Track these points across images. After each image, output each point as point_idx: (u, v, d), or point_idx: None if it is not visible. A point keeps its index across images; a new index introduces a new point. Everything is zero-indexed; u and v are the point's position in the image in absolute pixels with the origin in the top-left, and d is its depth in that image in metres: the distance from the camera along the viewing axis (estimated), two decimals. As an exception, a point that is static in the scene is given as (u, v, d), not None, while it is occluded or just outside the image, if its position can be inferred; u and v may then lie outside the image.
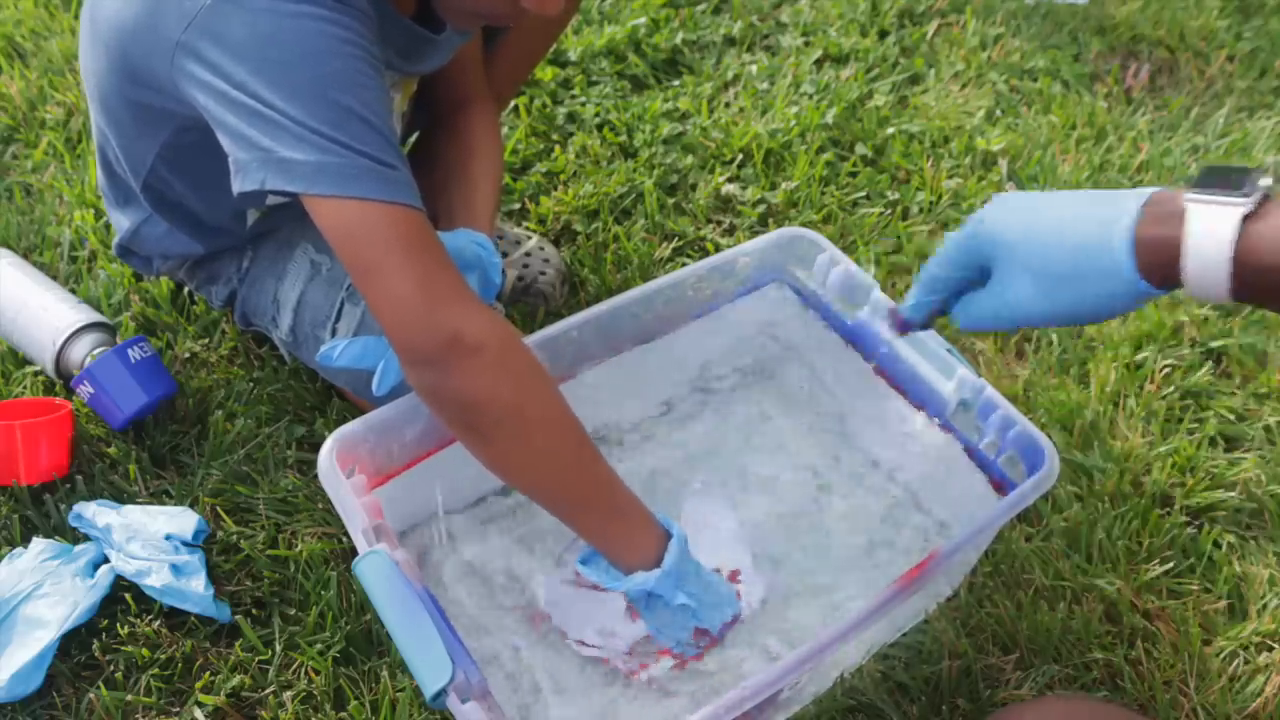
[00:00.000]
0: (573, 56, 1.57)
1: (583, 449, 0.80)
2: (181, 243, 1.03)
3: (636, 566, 0.81)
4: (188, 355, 1.14)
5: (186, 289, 1.17)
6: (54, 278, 1.19)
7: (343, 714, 0.88)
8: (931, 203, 1.38)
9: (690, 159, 1.42)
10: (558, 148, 1.42)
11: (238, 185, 0.75)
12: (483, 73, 1.09)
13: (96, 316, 1.12)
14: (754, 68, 1.58)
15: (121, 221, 1.04)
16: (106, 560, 0.95)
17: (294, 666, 0.91)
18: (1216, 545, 1.02)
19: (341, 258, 0.75)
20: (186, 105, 0.79)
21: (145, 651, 0.91)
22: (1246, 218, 0.53)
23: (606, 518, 0.81)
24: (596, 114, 1.48)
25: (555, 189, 1.37)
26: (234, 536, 0.98)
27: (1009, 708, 0.69)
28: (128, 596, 0.94)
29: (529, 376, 0.77)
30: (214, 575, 0.96)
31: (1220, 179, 0.54)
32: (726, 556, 0.93)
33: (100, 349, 1.07)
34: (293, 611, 0.94)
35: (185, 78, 0.76)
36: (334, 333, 0.99)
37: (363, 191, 0.73)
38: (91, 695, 0.88)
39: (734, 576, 0.92)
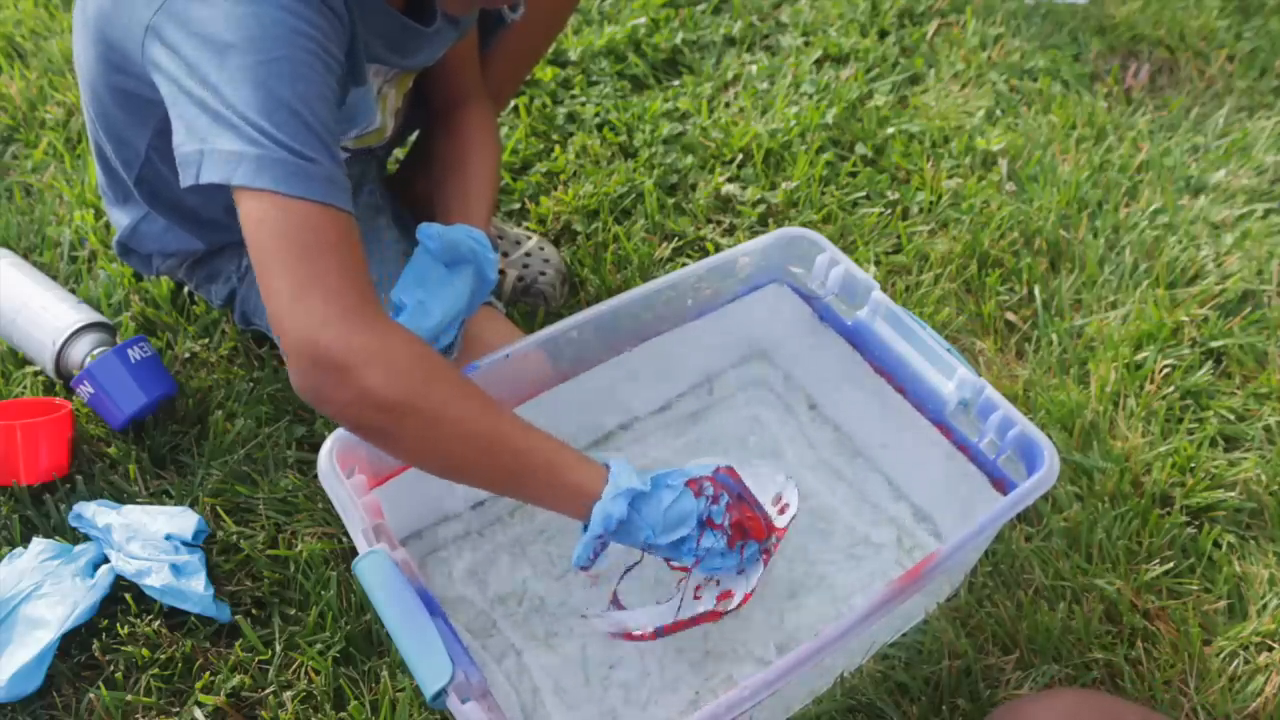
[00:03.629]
0: (573, 56, 1.57)
1: (498, 427, 0.75)
2: (179, 239, 1.03)
3: (592, 509, 0.78)
4: (188, 355, 1.14)
5: (186, 289, 1.17)
6: (54, 278, 1.19)
7: (343, 714, 0.88)
8: (931, 203, 1.38)
9: (690, 159, 1.42)
10: (558, 148, 1.42)
11: (183, 179, 0.73)
12: (479, 71, 1.09)
13: (96, 316, 1.12)
14: (754, 68, 1.58)
15: (121, 219, 1.04)
16: (106, 560, 0.95)
17: (294, 666, 0.91)
18: (1216, 545, 1.02)
19: (248, 250, 0.72)
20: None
21: (145, 651, 0.91)
22: None
23: (545, 481, 0.77)
24: (596, 114, 1.48)
25: (555, 189, 1.37)
26: (234, 536, 0.98)
27: (1015, 701, 0.69)
28: (128, 596, 0.94)
29: (413, 376, 0.71)
30: (214, 575, 0.96)
31: None
32: (767, 485, 0.89)
33: (100, 349, 1.07)
34: (293, 611, 0.94)
35: (151, 62, 0.76)
36: None
37: (272, 184, 0.70)
38: (91, 695, 0.88)
39: (780, 504, 0.88)
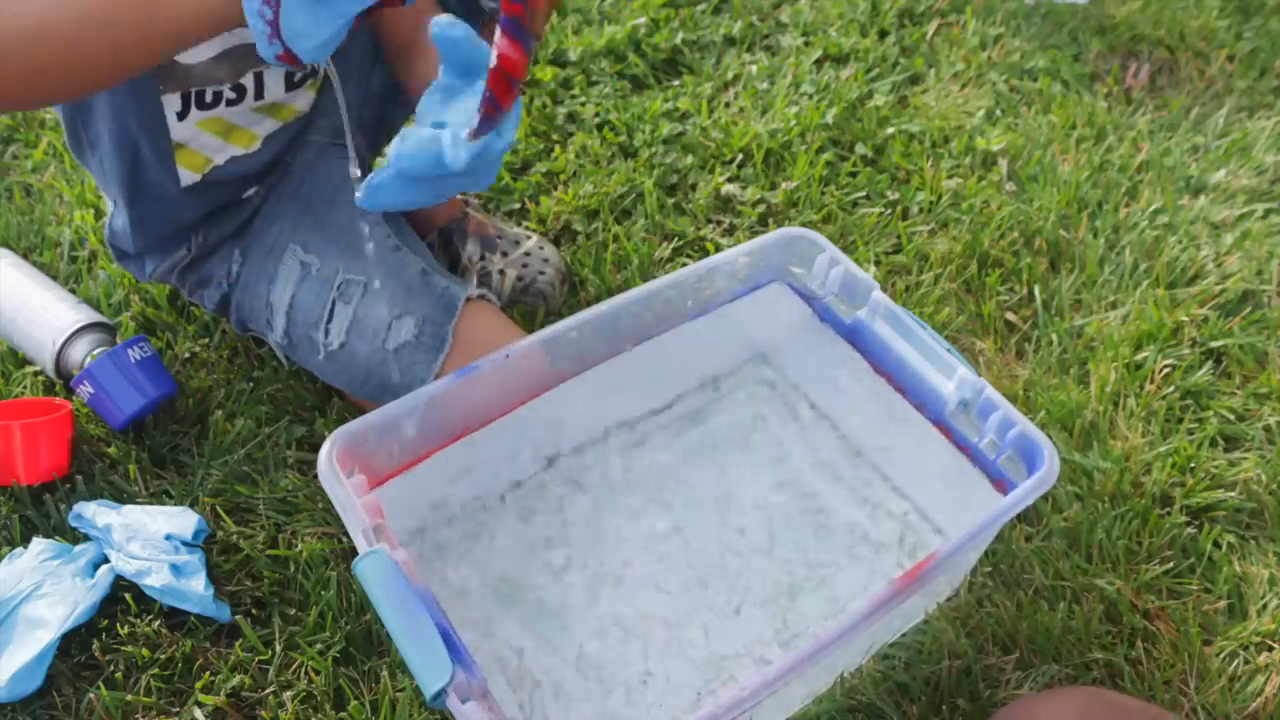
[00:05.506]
0: (573, 56, 1.57)
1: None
2: (144, 222, 1.03)
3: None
4: (188, 355, 1.14)
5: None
6: (54, 278, 1.19)
7: (343, 714, 0.88)
8: (931, 203, 1.38)
9: (690, 159, 1.42)
10: (558, 148, 1.42)
11: None
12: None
13: (96, 316, 1.12)
14: (754, 68, 1.58)
15: (109, 218, 1.05)
16: (106, 560, 0.95)
17: (294, 666, 0.91)
18: (1216, 545, 1.02)
19: None
20: None
21: (145, 651, 0.91)
22: None
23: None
24: (596, 114, 1.48)
25: (555, 189, 1.37)
26: (234, 536, 0.98)
27: (1024, 701, 0.69)
28: (128, 596, 0.94)
29: None
30: (214, 575, 0.96)
31: None
32: None
33: (100, 349, 1.07)
34: (293, 611, 0.94)
35: None
36: (327, 333, 0.99)
37: None
38: (91, 695, 0.88)
39: None
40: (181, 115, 0.97)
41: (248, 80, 0.98)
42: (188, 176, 1.01)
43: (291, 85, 1.02)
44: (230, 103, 0.99)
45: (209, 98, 0.97)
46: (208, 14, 0.64)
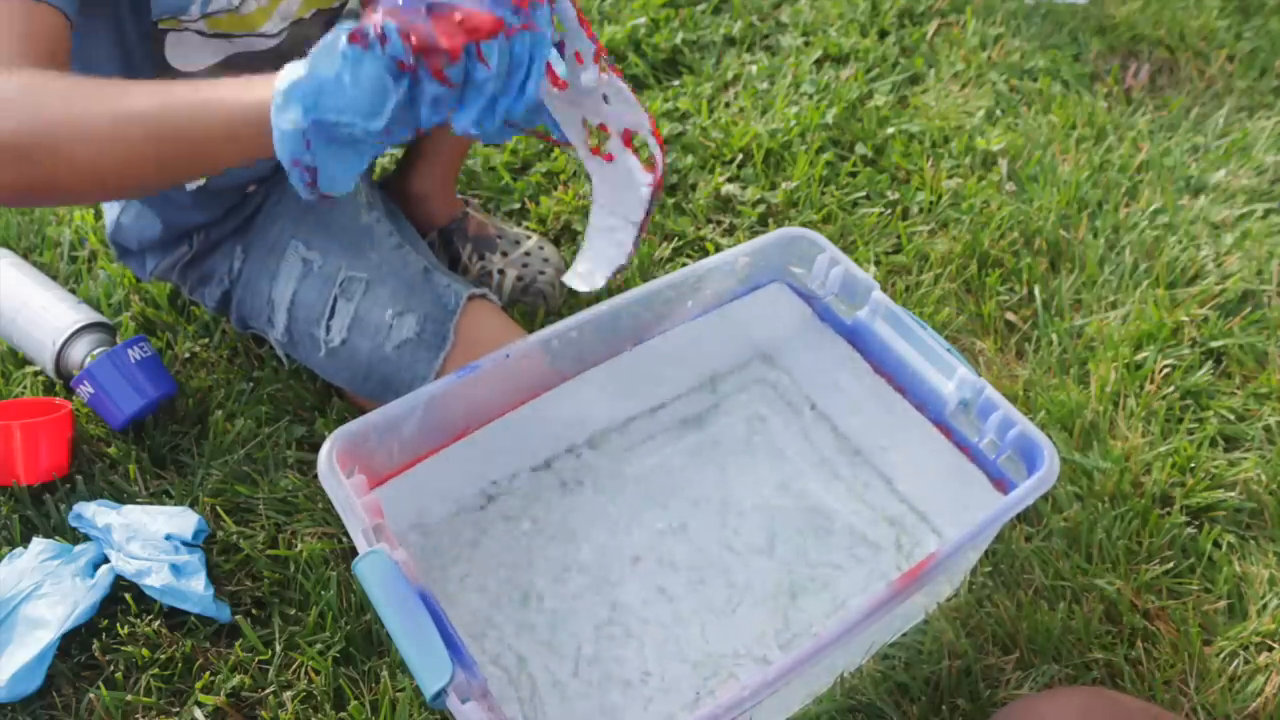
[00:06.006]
0: (573, 56, 1.57)
1: (120, 107, 0.65)
2: (145, 222, 1.02)
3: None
4: (188, 355, 1.14)
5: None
6: (54, 278, 1.19)
7: (343, 714, 0.88)
8: (931, 203, 1.38)
9: (690, 159, 1.42)
10: (558, 148, 1.42)
11: None
12: None
13: (96, 316, 1.12)
14: (754, 68, 1.58)
15: (108, 214, 1.05)
16: (106, 560, 0.95)
17: (294, 666, 0.91)
18: (1216, 545, 1.02)
19: None
20: None
21: (145, 651, 0.91)
22: None
23: (202, 132, 0.65)
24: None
25: (555, 189, 1.37)
26: (234, 536, 0.98)
27: (1025, 700, 0.69)
28: (128, 596, 0.94)
29: (16, 106, 0.64)
30: (214, 575, 0.96)
31: None
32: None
33: (100, 349, 1.07)
34: (293, 611, 0.94)
35: None
36: (328, 330, 0.99)
37: None
38: (91, 695, 0.88)
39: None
40: None
41: None
42: (190, 183, 1.01)
43: None
44: None
45: None
46: (250, 158, 0.66)
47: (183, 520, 0.96)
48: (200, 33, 0.90)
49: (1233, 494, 1.06)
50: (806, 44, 1.64)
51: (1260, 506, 1.06)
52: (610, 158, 0.73)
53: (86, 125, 0.64)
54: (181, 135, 0.65)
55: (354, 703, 0.87)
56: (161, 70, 0.91)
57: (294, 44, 0.97)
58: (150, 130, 0.65)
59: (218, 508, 1.00)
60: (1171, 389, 1.16)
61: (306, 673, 0.90)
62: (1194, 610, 0.97)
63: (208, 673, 0.90)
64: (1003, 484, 0.90)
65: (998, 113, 1.54)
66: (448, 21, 0.59)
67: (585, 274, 0.76)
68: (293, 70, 0.60)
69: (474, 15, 0.59)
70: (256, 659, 0.91)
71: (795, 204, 1.36)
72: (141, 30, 0.87)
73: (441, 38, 0.58)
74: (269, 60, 0.96)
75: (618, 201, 0.75)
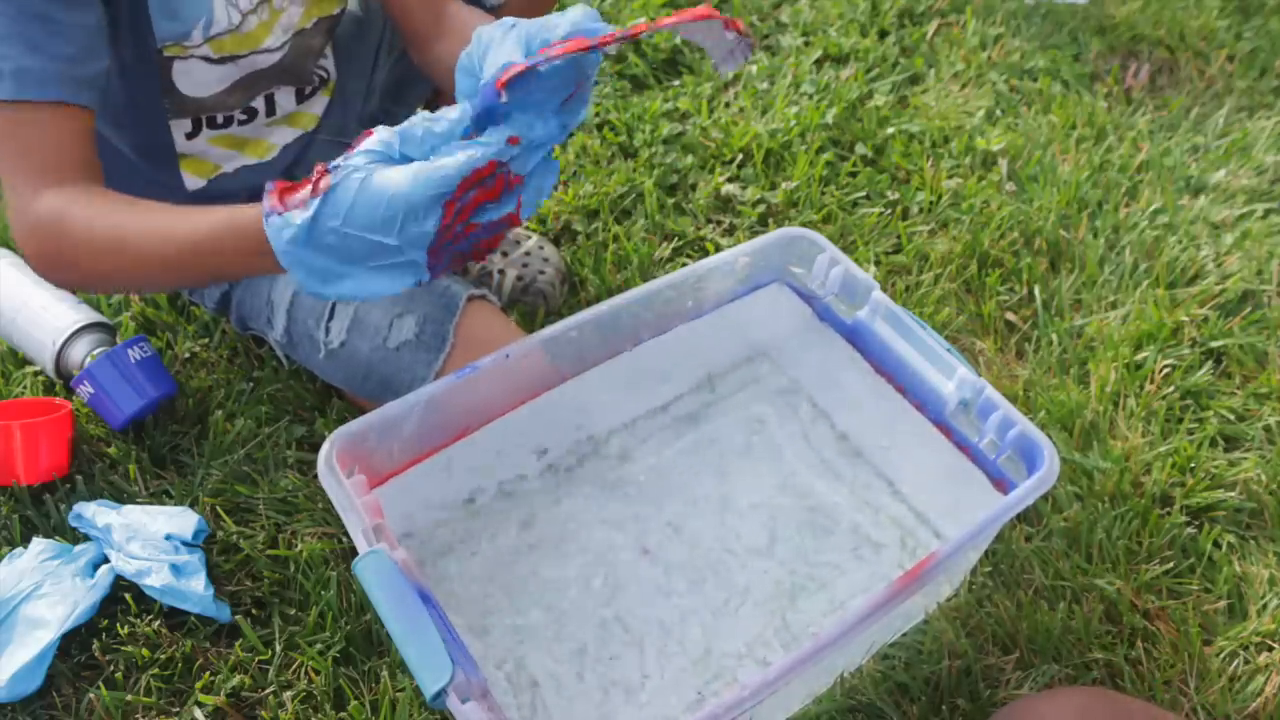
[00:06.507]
0: (573, 56, 1.57)
1: (132, 242, 0.73)
2: None
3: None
4: (188, 355, 1.14)
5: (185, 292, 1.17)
6: (54, 278, 1.19)
7: (343, 714, 0.88)
8: (931, 203, 1.38)
9: (690, 159, 1.42)
10: (558, 148, 1.42)
11: None
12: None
13: (96, 316, 1.12)
14: (754, 68, 1.58)
15: None
16: (106, 560, 0.95)
17: (294, 666, 0.91)
18: (1216, 545, 1.02)
19: None
20: None
21: (145, 651, 0.91)
22: None
23: (213, 259, 0.71)
24: (596, 114, 1.48)
25: (555, 189, 1.37)
26: (234, 536, 0.98)
27: (1024, 700, 0.69)
28: (128, 596, 0.94)
29: (50, 246, 0.76)
30: (214, 575, 0.96)
31: None
32: None
33: (100, 349, 1.07)
34: (293, 611, 0.94)
35: None
36: (328, 331, 0.99)
37: None
38: (91, 695, 0.88)
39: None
40: (191, 135, 0.97)
41: (258, 103, 0.99)
42: (192, 182, 1.01)
43: (303, 97, 1.03)
44: (242, 122, 0.99)
45: (220, 120, 0.98)
46: (253, 274, 0.74)
47: (183, 520, 0.96)
48: (206, 58, 0.91)
49: (1233, 494, 1.06)
50: (806, 44, 1.64)
51: (1260, 506, 1.06)
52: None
53: (106, 264, 0.75)
54: (205, 267, 0.73)
55: (354, 703, 0.87)
56: (170, 96, 0.93)
57: (297, 55, 0.97)
58: (170, 263, 0.73)
59: (218, 508, 1.00)
60: (1171, 389, 1.16)
61: (306, 673, 0.90)
62: (1194, 610, 0.97)
63: (208, 673, 0.90)
64: (1003, 484, 0.90)
65: (998, 113, 1.54)
66: (479, 252, 0.68)
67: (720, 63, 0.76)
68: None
69: (498, 238, 0.67)
70: (256, 659, 0.91)
71: (795, 204, 1.36)
72: (144, 59, 0.88)
73: (473, 257, 0.68)
74: (274, 77, 0.97)
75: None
